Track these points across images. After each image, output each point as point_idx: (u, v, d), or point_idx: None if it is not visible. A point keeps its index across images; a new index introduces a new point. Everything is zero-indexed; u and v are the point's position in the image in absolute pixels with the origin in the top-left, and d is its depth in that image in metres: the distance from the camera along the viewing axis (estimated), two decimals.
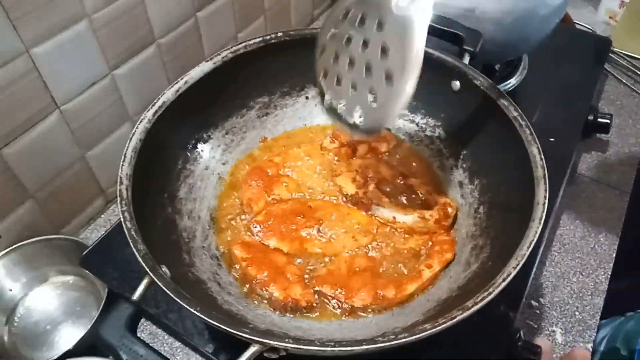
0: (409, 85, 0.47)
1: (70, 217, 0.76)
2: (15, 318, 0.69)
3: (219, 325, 0.42)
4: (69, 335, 0.67)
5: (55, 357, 0.59)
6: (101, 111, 0.72)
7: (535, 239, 0.47)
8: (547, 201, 0.50)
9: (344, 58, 0.51)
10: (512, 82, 0.91)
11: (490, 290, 0.44)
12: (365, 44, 0.49)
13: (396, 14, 0.46)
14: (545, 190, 0.51)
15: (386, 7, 0.46)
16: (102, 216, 0.80)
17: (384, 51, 0.47)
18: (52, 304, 0.70)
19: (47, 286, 0.71)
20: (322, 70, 0.53)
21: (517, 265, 0.45)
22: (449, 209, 0.62)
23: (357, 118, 0.51)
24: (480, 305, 0.43)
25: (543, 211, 0.49)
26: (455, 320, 0.42)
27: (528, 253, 0.46)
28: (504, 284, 0.44)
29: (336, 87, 0.52)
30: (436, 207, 0.62)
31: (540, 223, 0.48)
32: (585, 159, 0.90)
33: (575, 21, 1.11)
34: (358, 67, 0.50)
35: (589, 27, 1.10)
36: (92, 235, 0.78)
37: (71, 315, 0.69)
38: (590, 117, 0.87)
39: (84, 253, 0.65)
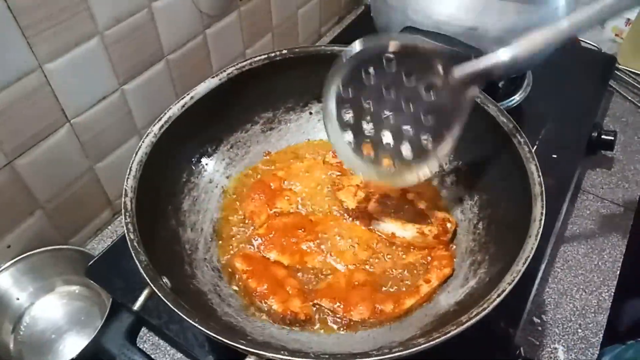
0: (449, 147, 0.50)
1: (78, 228, 0.77)
2: (22, 327, 0.70)
3: (216, 336, 0.42)
4: (73, 345, 0.68)
5: None
6: (110, 125, 0.73)
7: (531, 255, 0.47)
8: (543, 218, 0.50)
9: (379, 104, 0.51)
10: (516, 98, 0.91)
11: (485, 306, 0.44)
12: (407, 99, 0.49)
13: (451, 83, 0.48)
14: (542, 207, 0.51)
15: (440, 74, 0.48)
16: (109, 227, 0.82)
17: (430, 112, 0.49)
18: (58, 313, 0.71)
19: (53, 296, 0.73)
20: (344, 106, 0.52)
21: (512, 281, 0.46)
22: (448, 225, 0.63)
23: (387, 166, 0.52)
24: (473, 320, 0.43)
25: (539, 228, 0.49)
26: (448, 335, 0.42)
27: (523, 269, 0.46)
28: (498, 299, 0.45)
29: (364, 130, 0.52)
30: (435, 222, 0.62)
31: (536, 239, 0.48)
32: (589, 176, 0.90)
33: (581, 39, 1.12)
34: (397, 120, 0.50)
35: (595, 44, 1.11)
36: (99, 246, 0.79)
37: (76, 324, 0.70)
38: (595, 134, 0.87)
39: (90, 263, 0.66)
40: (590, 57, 1.04)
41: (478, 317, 0.43)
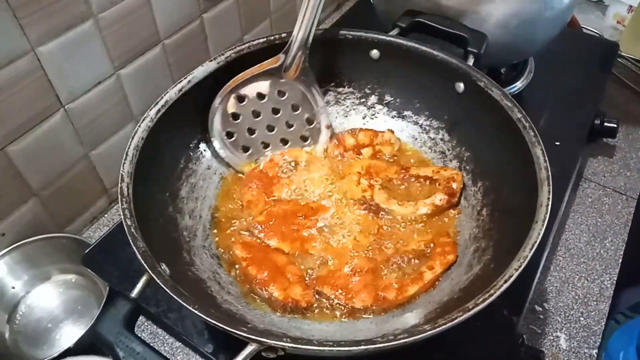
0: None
1: (74, 216, 0.76)
2: (17, 316, 0.69)
3: (216, 323, 0.41)
4: (70, 334, 0.67)
5: (56, 355, 0.59)
6: (106, 111, 0.72)
7: (538, 241, 0.46)
8: (550, 203, 0.49)
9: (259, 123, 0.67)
10: (518, 85, 0.90)
11: (492, 292, 0.43)
12: (275, 110, 0.66)
13: (293, 82, 0.64)
14: (549, 192, 0.50)
15: (281, 82, 0.64)
16: (106, 215, 0.80)
17: (295, 108, 0.67)
18: (54, 302, 0.70)
19: (49, 284, 0.71)
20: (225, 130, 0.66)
21: (519, 267, 0.44)
22: (454, 185, 0.62)
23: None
24: (481, 306, 0.42)
25: (546, 213, 0.48)
26: (455, 321, 0.41)
27: (530, 255, 0.45)
28: (505, 285, 0.43)
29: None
30: (442, 185, 0.63)
31: (543, 225, 0.47)
32: (591, 164, 0.89)
33: (583, 26, 1.11)
34: (280, 125, 0.68)
35: (597, 31, 1.09)
36: (95, 234, 0.78)
37: (72, 313, 0.69)
38: (597, 122, 0.86)
39: (86, 251, 0.65)
40: (592, 45, 1.03)
41: (485, 303, 0.42)
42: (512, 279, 0.44)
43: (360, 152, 0.70)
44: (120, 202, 0.50)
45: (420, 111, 0.72)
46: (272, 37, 0.67)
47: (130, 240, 0.47)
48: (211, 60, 0.64)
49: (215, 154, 0.67)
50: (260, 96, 0.66)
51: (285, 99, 0.66)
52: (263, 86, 0.65)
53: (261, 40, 0.66)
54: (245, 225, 0.63)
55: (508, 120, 0.58)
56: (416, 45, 0.66)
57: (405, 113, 0.73)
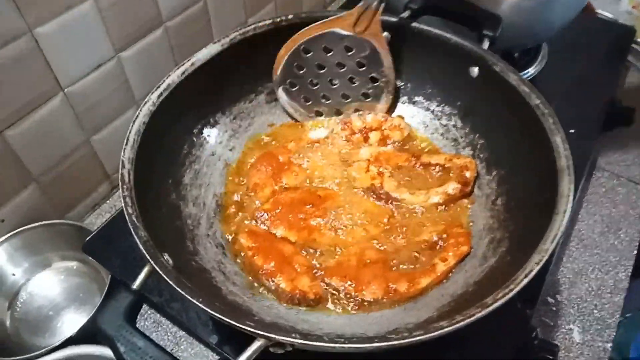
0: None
1: (75, 202, 0.74)
2: (18, 303, 0.67)
3: (222, 317, 0.39)
4: (72, 322, 0.66)
5: (57, 343, 0.58)
6: (107, 95, 0.69)
7: (560, 234, 0.44)
8: (572, 194, 0.46)
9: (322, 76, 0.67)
10: (531, 71, 0.87)
11: (511, 286, 0.41)
12: (340, 64, 0.66)
13: (361, 38, 0.62)
14: (570, 181, 0.47)
15: (349, 37, 0.62)
16: (108, 202, 0.78)
17: (361, 65, 0.65)
18: (55, 289, 0.69)
19: (50, 272, 0.70)
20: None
21: (541, 260, 0.42)
22: (467, 174, 0.60)
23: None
24: (500, 302, 0.40)
25: (568, 203, 0.46)
26: (473, 318, 0.39)
27: (552, 247, 0.43)
28: (525, 280, 0.41)
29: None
30: (456, 174, 0.60)
31: (565, 216, 0.45)
32: (605, 153, 0.86)
33: (597, 11, 1.06)
34: (343, 80, 0.67)
35: (612, 16, 1.05)
36: (97, 221, 0.76)
37: (74, 301, 0.68)
38: (612, 109, 0.83)
39: (87, 239, 0.63)
40: (607, 30, 0.99)
41: (505, 299, 0.40)
42: (532, 274, 0.42)
43: (368, 137, 0.67)
44: (121, 189, 0.48)
45: (432, 97, 0.69)
46: (278, 19, 0.64)
47: (132, 229, 0.44)
48: (215, 42, 0.61)
49: (265, 106, 0.69)
50: (327, 50, 0.64)
51: (352, 54, 0.65)
52: (330, 40, 0.63)
53: (267, 22, 0.64)
54: (251, 213, 0.61)
55: (525, 107, 0.56)
56: (428, 28, 0.64)
57: (416, 99, 0.70)
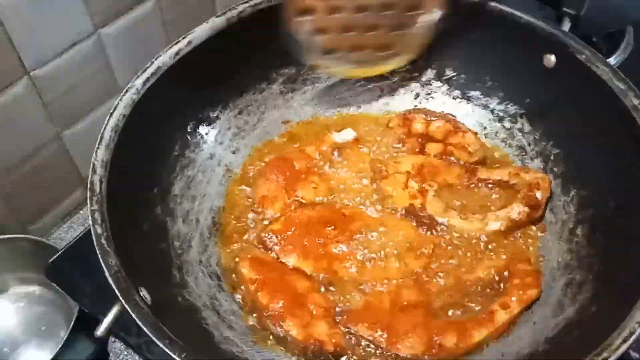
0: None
1: (41, 212, 0.74)
2: None
3: None
4: None
5: None
6: (83, 80, 0.69)
7: None
8: None
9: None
10: (612, 61, 0.86)
11: (605, 355, 0.37)
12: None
13: None
14: None
15: None
16: (82, 212, 0.78)
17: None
18: (12, 320, 0.69)
19: (7, 298, 0.70)
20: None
21: None
22: (537, 193, 0.59)
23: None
24: None
25: None
26: None
27: None
28: (624, 346, 0.38)
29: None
30: (523, 193, 0.59)
31: None
32: None
33: None
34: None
35: None
36: (67, 235, 0.75)
37: (34, 335, 0.68)
38: None
39: (51, 260, 0.62)
40: None
41: None
42: (633, 337, 0.38)
43: (424, 147, 0.66)
44: (89, 201, 0.47)
45: (492, 91, 0.68)
46: None
47: (100, 256, 0.43)
48: (219, 16, 0.60)
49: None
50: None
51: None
52: None
53: None
54: (256, 234, 0.60)
55: (618, 108, 0.55)
56: (492, 4, 0.62)
57: (472, 93, 0.69)
